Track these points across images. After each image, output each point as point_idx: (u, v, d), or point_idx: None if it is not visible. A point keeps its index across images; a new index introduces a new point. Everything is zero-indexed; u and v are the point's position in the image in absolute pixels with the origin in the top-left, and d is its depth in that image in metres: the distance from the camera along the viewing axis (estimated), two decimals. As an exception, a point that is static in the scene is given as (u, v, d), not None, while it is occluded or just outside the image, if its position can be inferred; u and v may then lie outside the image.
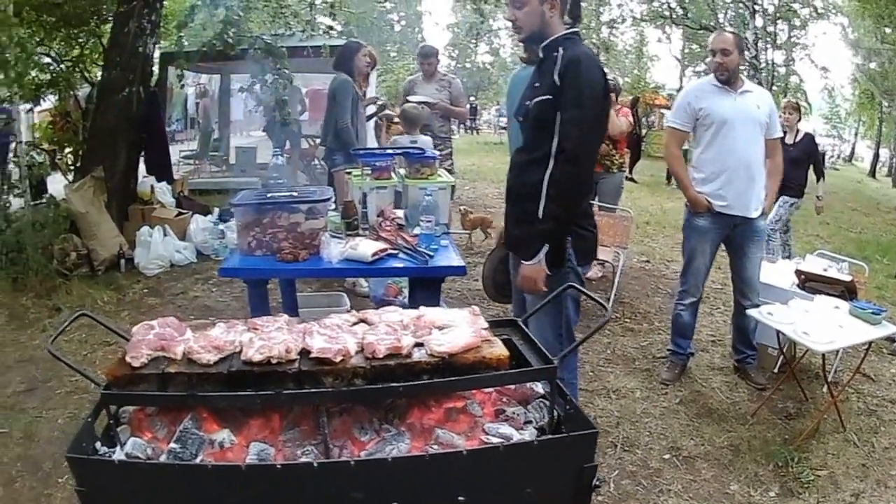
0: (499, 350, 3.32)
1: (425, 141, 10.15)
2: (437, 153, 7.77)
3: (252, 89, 12.27)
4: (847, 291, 7.13)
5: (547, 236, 4.64)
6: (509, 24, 5.01)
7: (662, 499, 5.45)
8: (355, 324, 3.59)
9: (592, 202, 10.44)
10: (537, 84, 4.77)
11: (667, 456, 6.01)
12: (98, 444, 3.21)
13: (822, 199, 11.97)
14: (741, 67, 7.10)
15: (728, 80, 6.86)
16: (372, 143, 11.27)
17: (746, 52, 7.63)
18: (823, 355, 6.72)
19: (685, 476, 5.73)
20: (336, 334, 3.35)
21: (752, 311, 6.72)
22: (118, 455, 3.12)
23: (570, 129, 4.50)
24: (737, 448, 6.13)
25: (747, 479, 5.68)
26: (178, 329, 3.46)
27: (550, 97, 4.58)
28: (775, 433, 6.38)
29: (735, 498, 5.48)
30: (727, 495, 5.51)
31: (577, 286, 4.19)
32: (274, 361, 3.13)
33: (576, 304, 5.03)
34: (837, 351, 6.86)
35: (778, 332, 6.48)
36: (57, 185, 13.34)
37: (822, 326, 6.13)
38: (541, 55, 4.82)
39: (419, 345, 3.33)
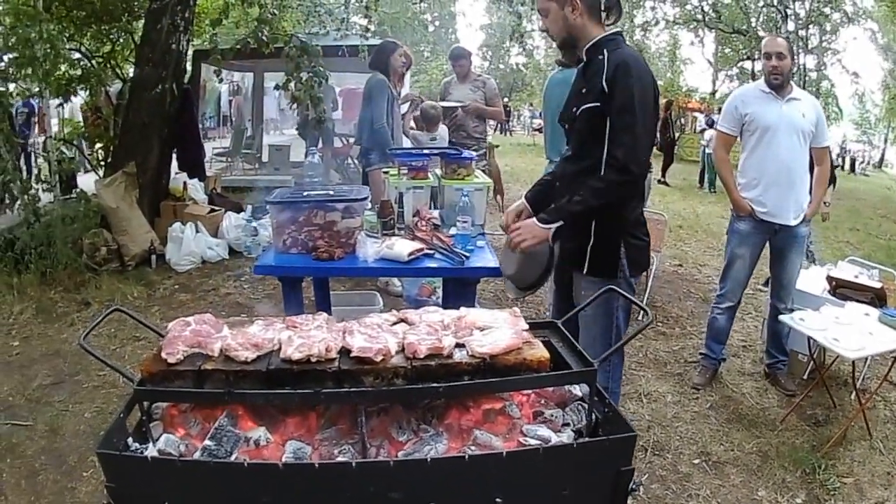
0: (540, 352, 3.29)
1: (443, 134, 10.28)
2: (474, 154, 7.75)
3: (287, 87, 12.29)
4: (877, 298, 7.12)
5: (568, 215, 4.55)
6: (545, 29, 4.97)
7: None
8: (395, 323, 3.57)
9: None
10: (584, 90, 4.65)
11: (696, 461, 5.99)
12: (129, 440, 3.19)
13: (829, 204, 11.86)
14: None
15: (781, 84, 6.81)
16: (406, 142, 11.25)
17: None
18: (853, 362, 6.70)
19: (714, 481, 5.70)
20: (376, 334, 3.33)
21: (784, 317, 6.69)
22: (150, 451, 3.11)
23: (622, 136, 4.39)
24: (765, 454, 6.10)
25: (775, 485, 5.65)
26: (215, 326, 3.45)
27: (599, 104, 4.47)
28: (803, 440, 6.35)
29: (762, 504, 5.46)
30: (755, 501, 5.48)
31: (618, 290, 4.09)
32: (313, 360, 3.11)
33: (626, 313, 4.97)
34: (866, 358, 6.83)
35: (809, 338, 6.44)
36: (87, 179, 13.41)
37: (853, 333, 6.09)
38: (584, 58, 4.73)
39: (460, 345, 3.30)
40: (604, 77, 4.41)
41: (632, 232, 4.78)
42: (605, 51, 4.51)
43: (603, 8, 4.61)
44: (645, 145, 4.56)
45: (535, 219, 4.63)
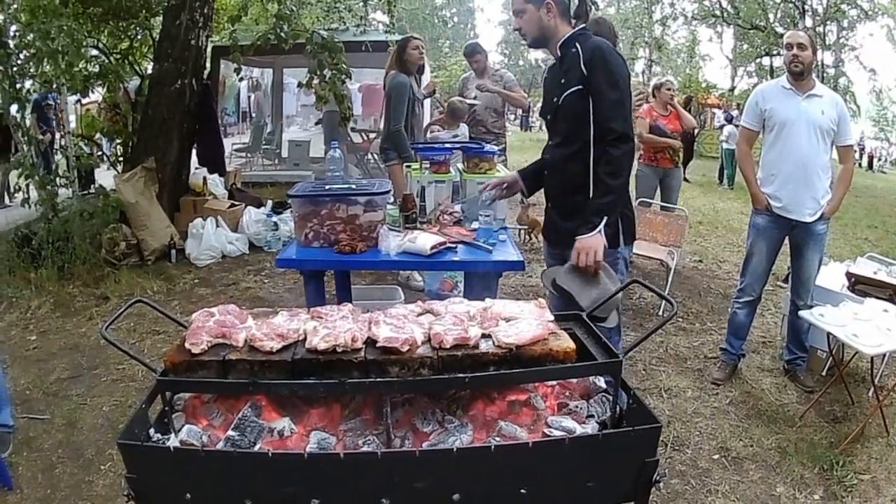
0: (566, 343, 3.29)
1: (464, 132, 10.48)
2: (496, 148, 7.75)
3: (310, 85, 12.32)
4: (895, 295, 7.08)
5: (604, 209, 4.71)
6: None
7: (710, 499, 5.41)
8: (421, 314, 3.58)
9: (651, 201, 10.70)
10: (563, 80, 4.93)
11: (716, 456, 5.97)
12: (151, 431, 3.22)
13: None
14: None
15: (801, 73, 6.78)
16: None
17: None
18: (872, 359, 6.67)
19: (733, 477, 5.68)
20: (402, 324, 3.33)
21: (804, 313, 6.67)
22: (172, 442, 3.12)
23: (612, 110, 4.71)
24: (784, 450, 6.07)
25: (793, 481, 5.63)
26: (240, 316, 3.46)
27: (580, 87, 4.78)
28: (822, 436, 6.32)
29: (781, 500, 5.43)
30: (773, 497, 5.46)
31: (643, 282, 4.22)
32: (339, 350, 3.11)
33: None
34: (884, 355, 6.81)
35: (828, 333, 6.42)
36: (105, 175, 13.44)
37: (872, 329, 6.08)
38: (558, 54, 5.01)
39: (486, 336, 3.30)
40: (581, 62, 4.75)
41: (626, 205, 5.13)
42: (576, 44, 4.85)
43: (573, 14, 4.96)
44: (630, 119, 4.91)
45: (582, 235, 4.72)
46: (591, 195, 4.81)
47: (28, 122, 11.32)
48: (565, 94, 4.87)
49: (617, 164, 4.69)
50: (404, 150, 9.16)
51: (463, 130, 10.64)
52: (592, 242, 4.66)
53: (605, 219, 4.68)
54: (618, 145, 4.67)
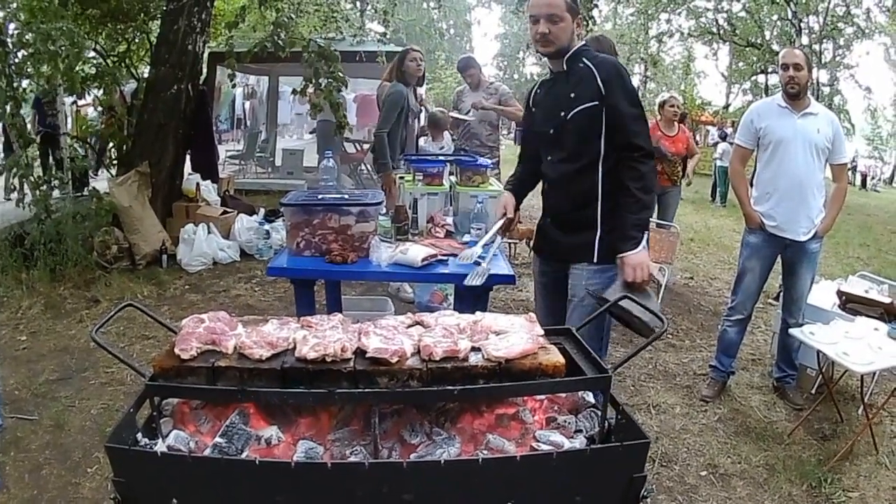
0: (555, 357, 3.28)
1: (447, 142, 10.53)
2: (489, 161, 7.75)
3: (305, 93, 12.32)
4: (886, 313, 7.08)
5: (643, 224, 4.81)
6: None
7: (697, 515, 5.41)
8: (411, 326, 3.57)
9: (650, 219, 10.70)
10: (573, 95, 4.92)
11: (704, 473, 5.97)
12: (139, 436, 3.21)
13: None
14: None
15: (798, 94, 6.79)
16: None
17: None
18: (862, 377, 6.66)
19: (720, 493, 5.68)
20: (392, 335, 3.32)
21: (794, 331, 6.67)
22: (160, 447, 3.11)
23: (636, 125, 4.82)
24: (772, 467, 6.07)
25: (781, 498, 5.63)
26: (230, 324, 3.45)
27: (596, 103, 4.80)
28: (810, 453, 6.32)
29: (768, 517, 5.43)
30: (760, 514, 5.46)
31: (632, 297, 4.25)
32: (329, 360, 3.10)
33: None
34: (874, 373, 6.81)
35: (818, 351, 6.41)
36: (101, 178, 13.44)
37: (862, 348, 6.08)
38: (564, 67, 5.02)
39: (476, 349, 3.29)
40: (598, 78, 4.79)
41: None
42: (584, 59, 4.89)
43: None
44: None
45: (626, 253, 4.77)
46: (627, 211, 4.82)
47: (26, 120, 11.28)
48: (576, 109, 4.87)
49: (648, 180, 4.79)
50: (382, 156, 9.16)
51: (447, 141, 10.68)
52: (642, 258, 4.75)
53: (647, 234, 4.80)
54: (645, 161, 4.77)
